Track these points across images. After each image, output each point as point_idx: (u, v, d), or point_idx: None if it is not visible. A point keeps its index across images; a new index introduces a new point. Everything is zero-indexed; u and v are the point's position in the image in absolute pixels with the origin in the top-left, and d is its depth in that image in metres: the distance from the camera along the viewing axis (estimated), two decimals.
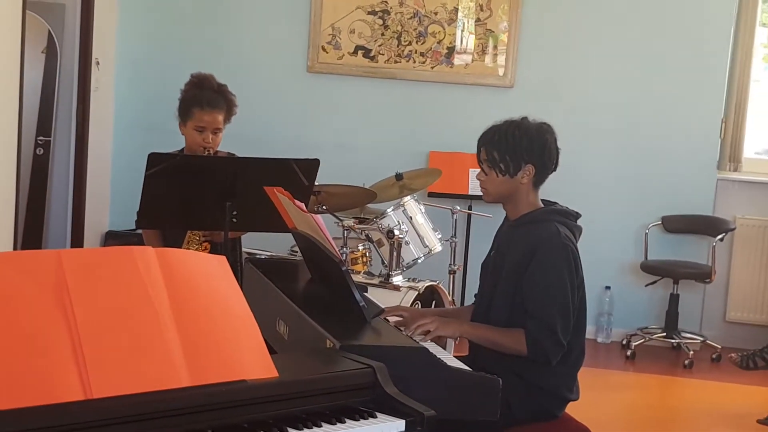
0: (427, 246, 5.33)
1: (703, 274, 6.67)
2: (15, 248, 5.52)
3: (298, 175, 3.91)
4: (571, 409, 3.34)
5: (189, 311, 2.13)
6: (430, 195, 6.54)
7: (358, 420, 2.24)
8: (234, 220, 3.89)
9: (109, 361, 1.97)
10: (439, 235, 5.46)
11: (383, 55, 7.05)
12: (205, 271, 2.23)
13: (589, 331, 5.38)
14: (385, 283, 4.98)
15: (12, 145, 5.38)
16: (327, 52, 7.07)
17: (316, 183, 4.13)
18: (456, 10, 6.97)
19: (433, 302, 5.09)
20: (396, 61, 7.04)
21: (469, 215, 6.58)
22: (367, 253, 5.34)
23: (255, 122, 6.74)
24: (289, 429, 2.13)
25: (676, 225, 6.91)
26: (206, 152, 4.21)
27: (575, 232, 3.32)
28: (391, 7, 7.00)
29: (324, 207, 5.02)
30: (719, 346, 6.69)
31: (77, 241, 6.70)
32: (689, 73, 6.87)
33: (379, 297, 3.81)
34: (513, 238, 3.30)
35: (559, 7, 6.98)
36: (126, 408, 1.96)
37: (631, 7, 6.89)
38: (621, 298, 6.98)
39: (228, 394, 2.11)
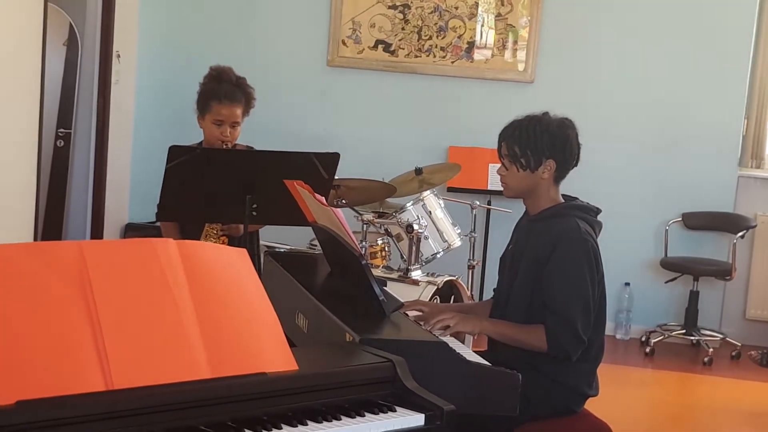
0: (446, 241, 5.33)
1: (723, 272, 6.64)
2: (35, 240, 5.54)
3: (318, 168, 3.91)
4: (590, 405, 3.33)
5: (210, 303, 2.13)
6: (450, 190, 6.54)
7: (378, 414, 2.24)
8: (254, 213, 3.89)
9: (130, 353, 1.98)
10: (458, 230, 5.45)
11: (403, 49, 7.04)
12: (226, 263, 2.23)
13: (608, 328, 5.36)
14: (404, 277, 4.97)
15: (33, 138, 5.40)
16: (347, 47, 7.07)
17: (336, 177, 4.12)
18: (476, 4, 6.96)
19: (452, 297, 5.08)
20: (416, 56, 7.03)
21: (489, 210, 6.57)
22: (386, 248, 5.33)
23: (275, 116, 6.74)
24: (308, 422, 2.13)
25: (696, 222, 6.88)
26: (224, 146, 4.21)
27: (595, 227, 3.30)
28: (411, 2, 6.99)
29: (343, 201, 5.01)
30: (739, 344, 6.66)
31: (97, 232, 6.72)
32: (711, 70, 6.84)
33: (398, 291, 3.82)
34: (532, 232, 3.29)
35: (580, 2, 6.95)
36: (146, 399, 1.96)
37: (653, 3, 6.86)
38: (640, 295, 6.96)
39: (248, 387, 2.11)
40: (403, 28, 7.03)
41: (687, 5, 6.84)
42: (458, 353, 2.70)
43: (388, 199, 5.61)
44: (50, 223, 6.62)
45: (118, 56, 6.76)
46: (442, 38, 7.01)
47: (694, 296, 6.75)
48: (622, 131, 6.93)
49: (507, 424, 3.09)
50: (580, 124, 3.35)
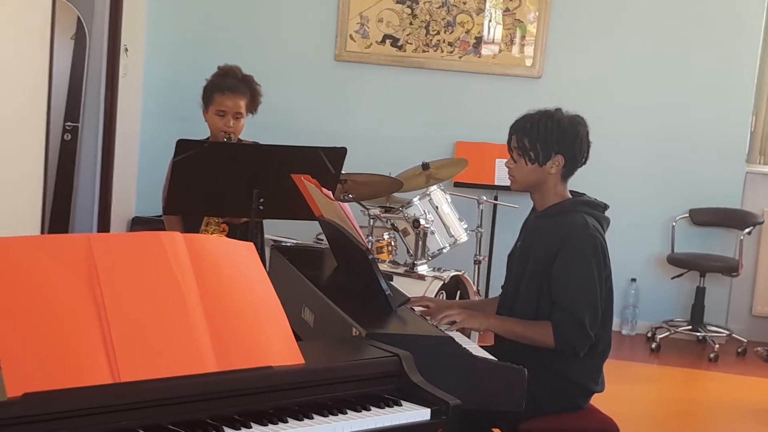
0: (452, 236, 5.32)
1: (729, 268, 6.63)
2: (42, 233, 5.55)
3: (325, 163, 3.91)
4: (596, 401, 3.33)
5: (216, 297, 2.13)
6: (456, 185, 6.54)
7: (384, 408, 2.24)
8: (261, 207, 3.89)
9: (137, 346, 1.98)
10: (465, 225, 5.45)
11: (411, 44, 7.04)
12: (233, 257, 2.23)
13: (615, 323, 5.35)
14: (410, 272, 4.97)
15: (40, 131, 5.41)
16: (355, 41, 7.07)
17: (343, 171, 4.12)
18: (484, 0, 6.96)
19: (458, 292, 5.08)
20: (424, 51, 7.03)
21: (495, 205, 6.57)
22: (393, 242, 5.34)
23: (283, 110, 6.74)
24: (314, 416, 2.13)
25: (703, 218, 6.88)
26: (227, 137, 4.21)
27: (603, 223, 3.30)
28: None
29: (350, 195, 5.02)
30: (745, 340, 6.65)
31: (104, 226, 6.73)
32: (720, 66, 6.83)
33: (404, 286, 3.82)
34: (540, 228, 3.29)
35: None
36: (153, 392, 1.96)
37: None
38: (647, 291, 6.96)
39: (254, 380, 2.11)
40: (410, 23, 7.02)
41: (696, 1, 6.82)
42: (464, 348, 2.70)
43: (395, 194, 5.61)
44: (57, 216, 6.63)
45: (126, 50, 6.76)
46: (450, 33, 7.00)
47: (700, 292, 6.75)
48: (629, 127, 6.92)
49: (513, 420, 3.09)
50: (587, 119, 3.35)
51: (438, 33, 7.01)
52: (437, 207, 5.30)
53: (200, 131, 4.57)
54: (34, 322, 1.89)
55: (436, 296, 4.68)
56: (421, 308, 3.32)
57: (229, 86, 4.27)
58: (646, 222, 6.96)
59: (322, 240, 4.95)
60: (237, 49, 6.55)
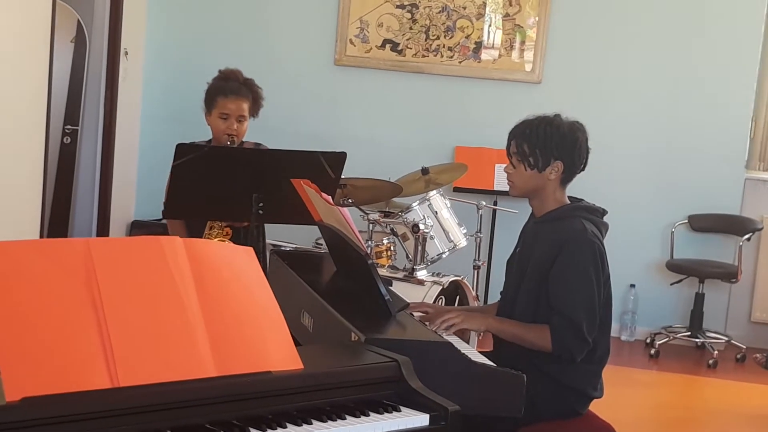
0: (451, 241, 5.32)
1: (728, 274, 6.63)
2: (41, 236, 5.55)
3: (325, 167, 3.91)
4: (595, 407, 3.32)
5: (216, 302, 2.13)
6: (456, 190, 6.54)
7: (383, 413, 2.24)
8: (260, 211, 3.89)
9: (136, 350, 1.98)
10: (464, 230, 5.45)
11: (411, 49, 7.04)
12: (233, 262, 2.23)
13: (614, 329, 5.33)
14: (410, 277, 4.97)
15: (40, 134, 5.41)
16: (354, 46, 7.07)
17: (343, 176, 4.12)
18: (484, 4, 6.96)
19: (457, 297, 5.08)
20: (423, 56, 7.03)
21: (495, 211, 6.57)
22: (392, 247, 5.34)
23: (282, 115, 6.74)
24: (313, 421, 2.13)
25: (702, 224, 6.88)
26: (230, 139, 4.22)
27: (601, 228, 3.30)
28: (419, 1, 6.99)
29: (350, 200, 5.02)
30: (744, 347, 6.65)
31: (103, 230, 6.73)
32: (719, 72, 6.83)
33: (404, 291, 3.82)
34: (539, 234, 3.29)
35: (588, 3, 6.94)
36: (152, 397, 1.96)
37: (661, 4, 6.85)
38: (646, 297, 6.95)
39: (253, 385, 2.11)
40: (410, 28, 7.02)
41: (695, 7, 6.83)
42: (463, 354, 2.70)
43: (395, 199, 5.62)
44: (56, 219, 6.63)
45: (126, 53, 6.77)
46: (450, 38, 7.01)
47: (699, 298, 6.74)
48: (628, 132, 6.93)
49: (511, 425, 3.09)
50: (587, 124, 3.35)
51: (438, 38, 7.01)
52: (436, 212, 5.30)
53: (200, 134, 4.57)
54: (33, 327, 1.89)
55: (435, 301, 4.67)
56: (420, 314, 3.31)
57: (232, 89, 4.29)
58: (645, 228, 6.96)
59: (322, 245, 4.94)
60: (237, 53, 6.55)
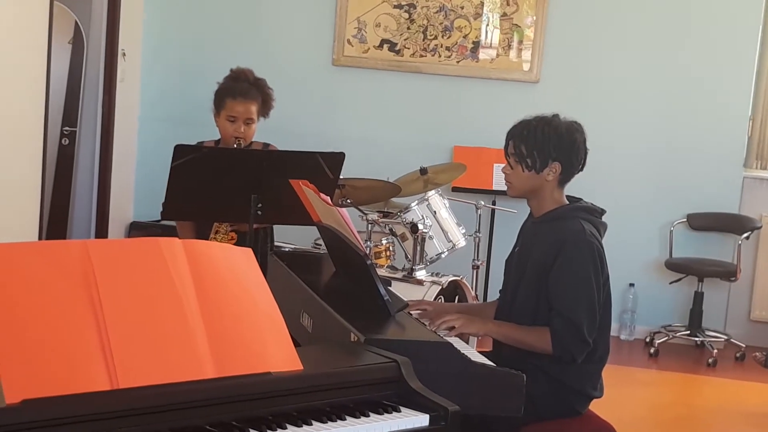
0: (450, 241, 5.33)
1: (728, 273, 6.63)
2: (40, 238, 5.55)
3: (323, 168, 3.91)
4: (594, 406, 3.32)
5: (215, 303, 2.13)
6: (455, 190, 6.54)
7: (382, 414, 2.24)
8: (259, 212, 3.89)
9: (136, 352, 1.98)
10: (463, 230, 5.45)
11: (409, 49, 7.04)
12: (232, 263, 2.23)
13: (613, 329, 5.31)
14: (409, 277, 4.97)
15: (38, 136, 5.41)
16: (352, 46, 7.07)
17: (341, 176, 4.12)
18: (482, 4, 6.95)
19: (456, 297, 5.08)
20: (421, 55, 7.03)
21: (493, 210, 6.57)
22: (391, 247, 5.33)
23: (280, 115, 6.65)
24: (313, 422, 2.13)
25: (701, 223, 6.88)
26: (238, 142, 4.21)
27: (600, 228, 3.30)
28: (417, 1, 6.99)
29: (348, 200, 5.02)
30: (743, 345, 6.65)
31: (102, 231, 6.73)
32: (717, 71, 6.83)
33: (402, 291, 3.81)
34: (537, 234, 3.29)
35: (586, 2, 6.94)
36: (151, 398, 1.96)
37: (659, 4, 6.85)
38: (645, 296, 6.95)
39: (253, 386, 2.11)
40: (408, 28, 7.02)
41: (693, 6, 6.83)
42: (463, 354, 2.70)
43: (393, 199, 5.61)
44: (55, 221, 6.63)
45: (124, 54, 6.76)
46: (448, 38, 7.00)
47: (698, 297, 6.75)
48: (627, 132, 6.93)
49: (511, 425, 3.08)
50: (585, 124, 3.34)
51: (435, 37, 7.01)
52: (435, 212, 5.30)
53: (198, 135, 4.57)
54: (32, 329, 1.89)
55: (434, 301, 4.67)
56: (419, 311, 3.31)
57: (241, 91, 4.26)
58: (644, 227, 6.97)
59: (321, 245, 4.94)
60: (234, 54, 6.53)
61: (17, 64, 5.12)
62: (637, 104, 6.92)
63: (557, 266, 3.14)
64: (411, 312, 3.25)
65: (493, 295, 4.12)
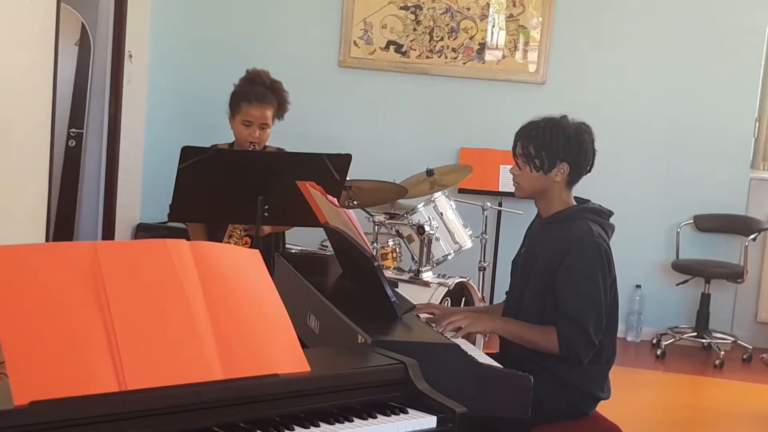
0: (457, 242, 5.32)
1: (734, 274, 6.62)
2: (47, 240, 5.56)
3: (330, 169, 3.91)
4: (601, 407, 3.32)
5: (222, 304, 2.13)
6: (461, 191, 6.53)
7: (390, 416, 2.24)
8: (266, 214, 3.89)
9: (143, 353, 1.98)
10: (470, 232, 5.45)
11: (415, 50, 7.04)
12: (239, 264, 2.23)
13: (620, 330, 5.31)
14: (415, 278, 4.97)
15: (45, 137, 5.42)
16: (359, 47, 7.07)
17: (348, 178, 4.12)
18: (488, 5, 6.95)
19: (463, 299, 5.08)
20: (427, 57, 7.03)
21: (500, 212, 6.57)
22: (397, 249, 5.33)
23: (287, 117, 6.70)
24: (320, 423, 2.13)
25: (708, 224, 6.87)
26: (252, 147, 4.21)
27: (608, 230, 3.30)
28: (423, 3, 6.99)
29: (355, 202, 5.01)
30: (750, 347, 6.64)
31: (109, 233, 6.73)
32: (723, 72, 6.82)
33: (409, 293, 3.81)
34: (545, 235, 3.29)
35: (592, 3, 6.94)
36: (159, 400, 1.96)
37: (665, 5, 6.84)
38: (652, 297, 6.95)
39: (260, 388, 2.11)
40: (414, 29, 7.03)
41: (699, 7, 6.82)
42: (470, 355, 2.70)
43: (400, 201, 5.61)
44: (62, 223, 6.64)
45: (130, 56, 6.77)
46: (454, 39, 7.00)
47: (705, 299, 6.74)
48: (633, 133, 6.92)
49: (519, 427, 3.08)
50: (591, 125, 3.34)
51: (442, 39, 7.01)
52: (442, 213, 5.30)
53: (205, 136, 4.57)
54: (40, 331, 1.89)
55: (440, 303, 4.67)
56: (426, 315, 3.31)
57: (257, 96, 4.26)
58: (650, 228, 6.96)
59: (327, 247, 4.95)
60: (241, 56, 6.54)
61: (24, 67, 5.13)
62: (643, 105, 6.91)
63: (564, 267, 3.14)
64: (419, 315, 3.25)
65: (500, 296, 4.13)
